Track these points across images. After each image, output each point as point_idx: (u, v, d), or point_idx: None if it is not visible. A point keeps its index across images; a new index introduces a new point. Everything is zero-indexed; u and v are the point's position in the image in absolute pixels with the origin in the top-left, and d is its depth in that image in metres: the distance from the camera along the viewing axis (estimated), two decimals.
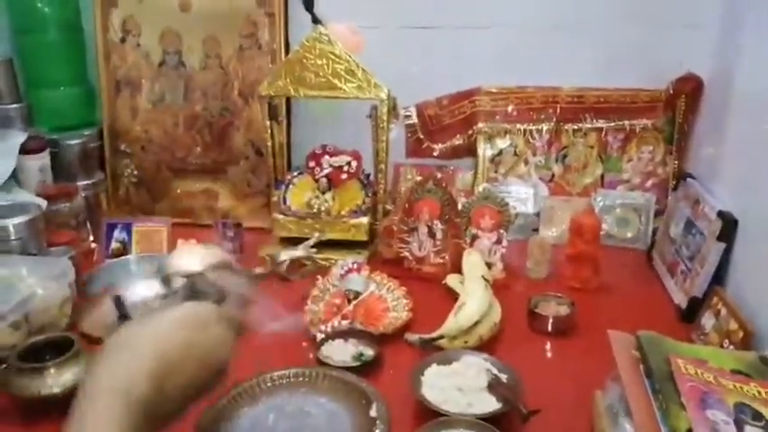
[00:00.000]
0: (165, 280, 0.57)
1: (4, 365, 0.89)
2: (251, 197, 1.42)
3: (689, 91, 1.27)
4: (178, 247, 0.58)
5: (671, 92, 1.29)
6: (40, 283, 0.98)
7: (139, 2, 1.36)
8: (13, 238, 1.12)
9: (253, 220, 1.36)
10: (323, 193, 1.26)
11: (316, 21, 1.17)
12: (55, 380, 0.82)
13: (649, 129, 1.33)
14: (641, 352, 0.75)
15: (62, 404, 0.83)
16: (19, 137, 1.25)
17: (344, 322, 0.99)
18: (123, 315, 0.57)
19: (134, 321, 0.55)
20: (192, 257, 0.58)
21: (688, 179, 1.18)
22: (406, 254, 1.20)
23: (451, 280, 1.12)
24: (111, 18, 1.38)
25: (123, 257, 1.18)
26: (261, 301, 0.64)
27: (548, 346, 0.98)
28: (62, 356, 0.83)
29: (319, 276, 1.08)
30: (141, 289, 0.57)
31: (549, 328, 1.00)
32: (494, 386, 0.81)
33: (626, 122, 1.34)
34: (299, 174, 1.29)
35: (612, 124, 1.34)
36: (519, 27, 1.34)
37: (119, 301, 0.57)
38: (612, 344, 0.81)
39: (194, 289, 0.56)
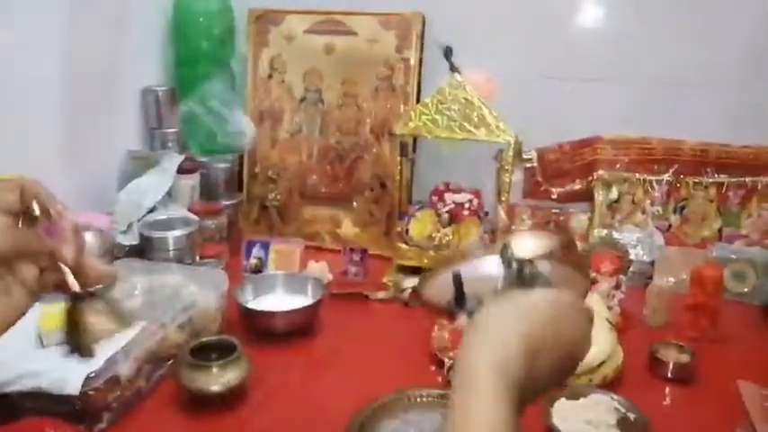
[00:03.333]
0: (507, 262, 0.57)
1: (171, 361, 1.01)
2: (372, 226, 1.51)
3: None
4: (517, 233, 0.59)
5: None
6: (200, 291, 1.11)
7: (288, 43, 1.51)
8: (171, 248, 1.27)
9: (372, 247, 1.45)
10: (444, 227, 1.34)
11: (453, 69, 1.25)
12: (217, 378, 0.93)
13: None
14: None
15: (222, 401, 0.94)
16: (177, 158, 1.40)
17: None
18: (460, 291, 0.57)
19: (505, 301, 0.54)
20: (530, 243, 0.58)
21: None
22: None
23: None
24: (261, 56, 1.53)
25: (267, 273, 1.29)
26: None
27: (668, 390, 1.01)
28: (226, 358, 0.94)
29: None
30: (482, 267, 0.58)
31: (670, 374, 1.03)
32: (623, 424, 0.86)
33: (747, 179, 1.36)
34: (422, 207, 1.37)
35: (734, 180, 1.37)
36: (645, 81, 1.39)
37: (457, 278, 0.57)
38: (743, 393, 0.84)
39: (528, 274, 0.56)
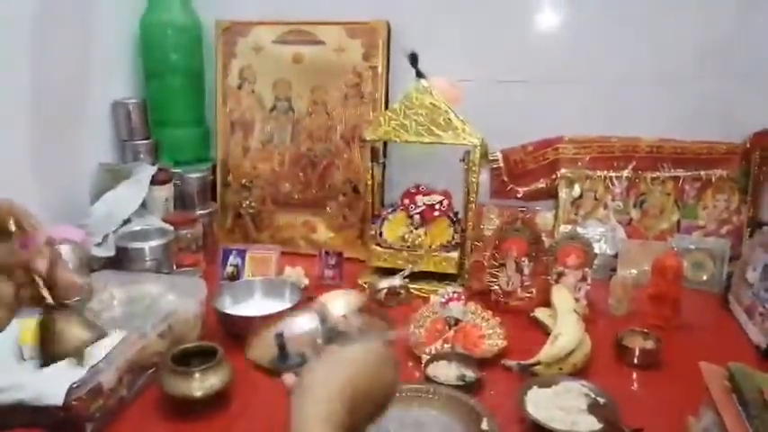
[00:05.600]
0: (323, 319, 0.64)
1: (153, 369, 1.02)
2: (346, 230, 1.55)
3: (765, 145, 1.36)
4: (328, 293, 0.68)
5: (747, 145, 1.38)
6: (178, 300, 1.12)
7: (257, 53, 1.54)
8: (148, 259, 1.28)
9: (347, 250, 1.48)
10: (416, 228, 1.37)
11: (419, 75, 1.29)
12: (200, 384, 0.94)
13: (725, 179, 1.43)
14: (733, 382, 0.83)
15: (205, 406, 0.95)
16: (150, 170, 1.41)
17: (446, 346, 1.10)
18: (283, 350, 0.64)
19: (324, 359, 0.62)
20: (340, 300, 0.66)
21: (765, 227, 1.25)
22: (495, 287, 1.30)
23: (540, 313, 1.21)
24: (230, 67, 1.55)
25: (244, 279, 1.31)
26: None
27: (634, 376, 1.06)
28: (207, 364, 0.96)
29: (424, 303, 1.19)
30: (300, 325, 0.64)
31: (636, 360, 1.08)
32: (594, 408, 0.90)
33: (702, 172, 1.44)
34: (394, 210, 1.41)
35: (689, 173, 1.44)
36: (603, 82, 1.46)
37: (280, 338, 0.64)
38: (704, 374, 0.89)
39: (342, 327, 0.64)
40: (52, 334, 0.82)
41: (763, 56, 1.39)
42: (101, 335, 0.77)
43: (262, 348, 0.66)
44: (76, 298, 0.99)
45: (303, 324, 0.65)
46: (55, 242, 0.75)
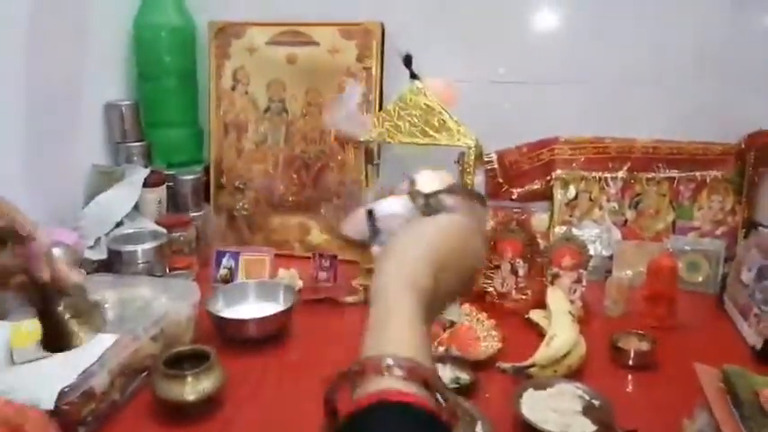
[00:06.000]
0: (414, 196, 0.63)
1: (145, 373, 1.02)
2: None
3: (760, 146, 1.36)
4: (420, 170, 0.66)
5: (742, 146, 1.38)
6: (171, 302, 1.12)
7: (250, 55, 1.53)
8: (140, 261, 1.27)
9: (341, 252, 1.47)
10: None
11: (413, 76, 1.28)
12: (192, 388, 0.94)
13: (720, 180, 1.42)
14: (728, 384, 0.83)
15: (197, 410, 0.95)
16: (143, 172, 1.41)
17: (441, 348, 1.09)
18: (374, 226, 0.63)
19: (411, 226, 0.60)
20: (432, 179, 0.63)
21: (760, 228, 1.25)
22: (490, 289, 1.29)
23: (535, 314, 1.21)
24: (224, 68, 1.54)
25: (238, 282, 1.30)
26: None
27: (629, 377, 1.06)
28: (200, 367, 0.95)
29: None
30: (391, 204, 0.63)
31: (631, 361, 1.07)
32: (588, 410, 0.90)
33: (697, 173, 1.43)
34: None
35: (684, 174, 1.44)
36: (599, 83, 1.46)
37: (371, 214, 0.63)
38: (699, 376, 0.88)
39: (433, 206, 0.62)
40: (56, 325, 0.81)
41: (760, 56, 1.39)
42: (104, 322, 0.77)
43: (354, 224, 0.65)
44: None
45: (395, 202, 0.64)
46: (53, 245, 0.76)
